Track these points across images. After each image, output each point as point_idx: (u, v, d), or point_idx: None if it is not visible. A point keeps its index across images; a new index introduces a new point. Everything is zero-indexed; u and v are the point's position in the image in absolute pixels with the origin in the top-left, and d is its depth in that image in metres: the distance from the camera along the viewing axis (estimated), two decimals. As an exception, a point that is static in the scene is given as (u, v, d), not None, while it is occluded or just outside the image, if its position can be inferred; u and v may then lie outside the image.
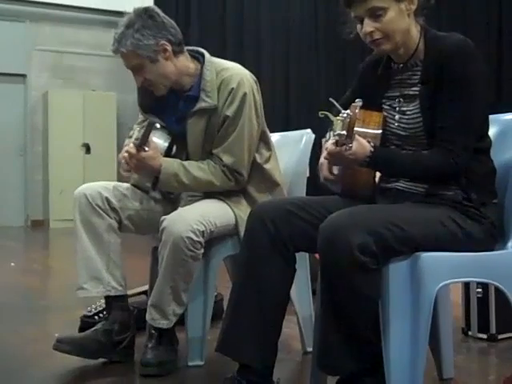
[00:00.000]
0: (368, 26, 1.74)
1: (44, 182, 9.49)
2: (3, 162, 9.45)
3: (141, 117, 2.44)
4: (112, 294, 2.26)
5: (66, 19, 9.72)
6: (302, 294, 2.36)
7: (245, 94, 2.21)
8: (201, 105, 2.22)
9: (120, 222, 2.30)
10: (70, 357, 2.20)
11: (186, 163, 2.23)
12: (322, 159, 1.82)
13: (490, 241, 1.76)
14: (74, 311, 2.83)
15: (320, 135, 1.95)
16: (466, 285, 2.61)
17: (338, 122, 1.62)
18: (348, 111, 1.57)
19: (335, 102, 1.82)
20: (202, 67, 2.26)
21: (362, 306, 1.63)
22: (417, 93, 1.79)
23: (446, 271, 1.67)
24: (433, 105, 1.74)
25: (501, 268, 1.74)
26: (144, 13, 2.18)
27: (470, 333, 2.62)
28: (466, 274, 1.75)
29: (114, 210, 2.28)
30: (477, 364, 2.44)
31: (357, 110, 1.58)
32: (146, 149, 2.13)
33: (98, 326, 2.27)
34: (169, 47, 2.21)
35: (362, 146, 1.67)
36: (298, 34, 9.13)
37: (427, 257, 1.64)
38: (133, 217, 2.32)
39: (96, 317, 2.63)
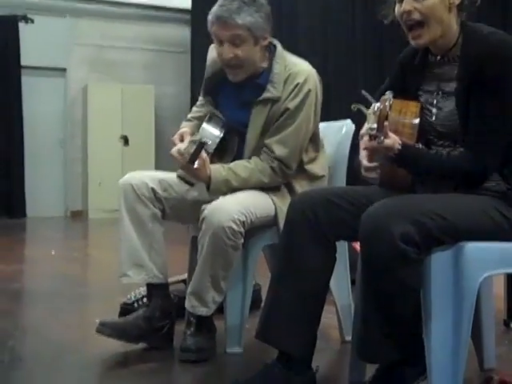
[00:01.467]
0: (408, 4, 1.72)
1: (83, 173, 9.64)
2: (44, 154, 9.64)
3: (200, 99, 2.46)
4: (154, 281, 2.29)
5: (106, 14, 9.85)
6: (340, 284, 2.35)
7: (309, 91, 2.24)
8: (266, 95, 2.25)
9: (163, 211, 2.33)
10: (110, 342, 2.23)
11: (232, 166, 2.23)
12: (361, 153, 1.81)
13: (536, 232, 1.72)
14: (114, 298, 2.87)
15: (360, 125, 1.94)
16: (509, 276, 2.57)
17: (370, 115, 1.62)
18: (378, 104, 1.58)
19: (367, 95, 1.82)
20: (272, 58, 2.29)
21: (404, 296, 1.62)
22: (453, 90, 1.76)
23: (491, 262, 1.65)
24: (469, 102, 1.71)
25: (546, 259, 1.70)
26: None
27: (511, 325, 2.59)
28: (511, 265, 1.72)
29: (158, 199, 2.30)
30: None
31: (387, 103, 1.59)
32: (196, 165, 2.13)
33: (140, 312, 2.30)
34: (268, 39, 2.27)
35: (391, 141, 1.66)
36: (335, 25, 9.06)
37: (471, 247, 1.62)
38: (177, 206, 2.34)
39: (135, 304, 2.66)
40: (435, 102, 1.80)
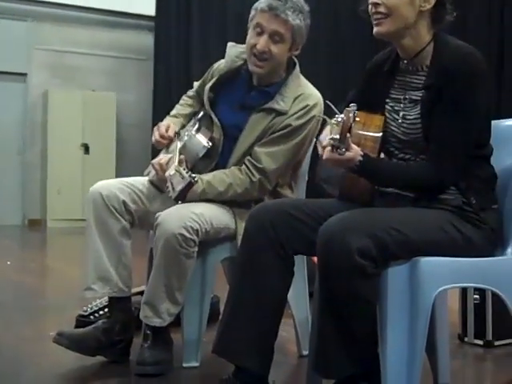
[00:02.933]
0: None
1: (42, 181, 9.47)
2: (1, 161, 9.42)
3: (185, 99, 2.48)
4: (117, 295, 2.25)
5: (67, 18, 9.72)
6: (298, 297, 2.35)
7: (313, 117, 2.26)
8: (273, 105, 2.25)
9: (132, 223, 2.30)
10: (65, 356, 2.19)
11: (211, 179, 2.21)
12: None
13: (490, 247, 1.75)
14: (70, 310, 2.82)
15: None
16: (463, 291, 2.61)
17: (333, 125, 1.63)
18: (342, 115, 1.59)
19: (332, 105, 1.83)
20: (289, 73, 2.31)
21: (360, 310, 1.63)
22: (419, 98, 1.78)
23: (445, 276, 1.67)
24: (433, 112, 1.73)
25: (500, 274, 1.74)
26: (309, 13, 2.27)
27: (466, 339, 2.62)
28: (465, 279, 1.74)
29: (128, 212, 2.28)
30: (472, 370, 2.45)
31: (351, 115, 1.60)
32: (180, 203, 2.14)
33: (99, 323, 2.26)
34: (298, 51, 2.30)
35: (352, 153, 1.67)
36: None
37: (426, 261, 1.64)
38: (143, 217, 2.31)
39: (92, 316, 2.61)
40: (400, 110, 1.82)
